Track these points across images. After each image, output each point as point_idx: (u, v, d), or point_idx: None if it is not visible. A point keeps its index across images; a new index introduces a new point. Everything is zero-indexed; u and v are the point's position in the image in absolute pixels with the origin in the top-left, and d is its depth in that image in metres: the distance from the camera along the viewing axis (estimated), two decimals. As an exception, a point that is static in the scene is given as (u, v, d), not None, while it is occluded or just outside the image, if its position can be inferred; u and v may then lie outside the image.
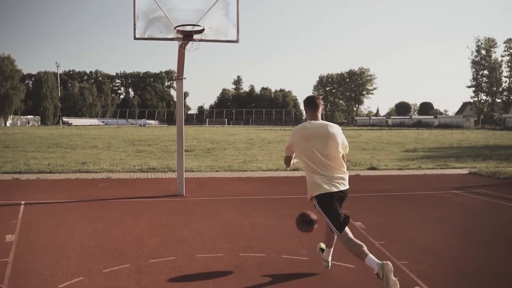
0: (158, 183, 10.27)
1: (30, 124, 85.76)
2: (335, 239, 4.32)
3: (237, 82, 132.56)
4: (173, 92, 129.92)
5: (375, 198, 8.66)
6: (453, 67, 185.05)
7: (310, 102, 4.22)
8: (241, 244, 5.24)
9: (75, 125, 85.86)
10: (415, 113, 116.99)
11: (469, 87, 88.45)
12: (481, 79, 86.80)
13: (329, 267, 4.44)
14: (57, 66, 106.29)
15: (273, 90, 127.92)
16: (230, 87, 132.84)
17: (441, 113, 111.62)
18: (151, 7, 7.21)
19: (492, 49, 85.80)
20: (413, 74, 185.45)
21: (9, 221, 6.17)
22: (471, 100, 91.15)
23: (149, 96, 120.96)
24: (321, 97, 4.42)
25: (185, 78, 8.36)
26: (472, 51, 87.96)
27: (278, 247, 5.12)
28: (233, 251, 4.95)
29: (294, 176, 11.73)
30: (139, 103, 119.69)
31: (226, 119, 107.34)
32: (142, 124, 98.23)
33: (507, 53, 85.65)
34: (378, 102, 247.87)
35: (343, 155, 4.15)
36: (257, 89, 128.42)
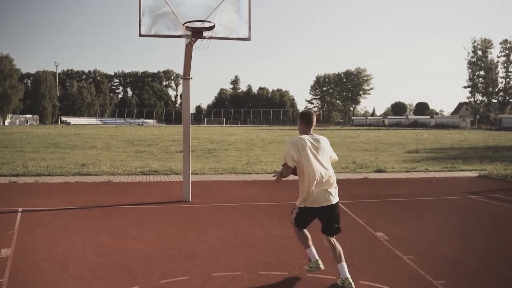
0: (161, 187, 9.82)
1: (28, 123, 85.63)
2: (310, 238, 4.34)
3: (235, 81, 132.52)
4: (171, 92, 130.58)
5: (391, 204, 8.25)
6: (448, 67, 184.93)
7: (307, 119, 4.34)
8: (259, 260, 4.80)
9: (73, 124, 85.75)
10: (411, 113, 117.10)
11: (465, 87, 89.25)
12: (477, 80, 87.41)
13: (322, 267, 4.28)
14: (56, 66, 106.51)
15: (270, 90, 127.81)
16: (228, 86, 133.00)
17: (436, 113, 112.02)
18: (158, 2, 6.72)
19: (488, 50, 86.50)
20: (408, 74, 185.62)
21: (5, 232, 5.72)
22: (467, 100, 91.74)
23: (147, 96, 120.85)
24: (316, 113, 4.45)
25: (191, 78, 7.92)
26: (468, 52, 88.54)
27: (299, 263, 4.67)
28: (252, 269, 4.51)
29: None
30: (137, 103, 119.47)
31: (224, 119, 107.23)
32: (140, 123, 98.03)
33: (503, 54, 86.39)
34: (374, 102, 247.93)
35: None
36: (255, 89, 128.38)
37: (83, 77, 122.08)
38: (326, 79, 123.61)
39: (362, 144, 26.92)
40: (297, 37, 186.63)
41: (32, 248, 5.12)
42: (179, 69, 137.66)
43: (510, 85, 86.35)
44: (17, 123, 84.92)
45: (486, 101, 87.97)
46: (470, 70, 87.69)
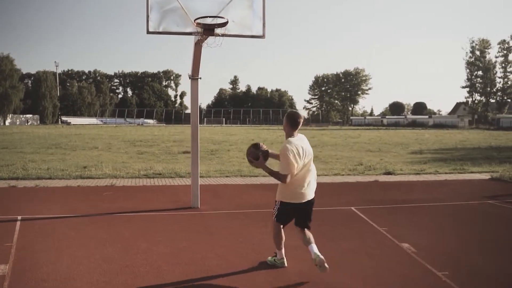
0: (167, 192, 9.39)
1: (29, 123, 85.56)
2: (283, 240, 4.69)
3: (234, 81, 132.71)
4: (170, 92, 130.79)
5: (409, 211, 7.84)
6: (445, 67, 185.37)
7: (294, 122, 4.44)
8: (282, 279, 4.38)
9: (74, 124, 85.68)
10: (409, 112, 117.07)
11: (463, 87, 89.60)
12: (475, 80, 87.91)
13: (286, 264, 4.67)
14: (56, 66, 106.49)
15: (269, 90, 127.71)
16: (227, 86, 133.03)
17: (434, 113, 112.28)
18: (167, -3, 6.28)
19: (486, 50, 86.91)
20: (405, 73, 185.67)
21: (3, 244, 5.28)
22: (465, 100, 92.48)
23: (147, 96, 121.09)
24: (302, 116, 4.57)
25: (200, 78, 7.49)
26: (466, 52, 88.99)
27: (326, 282, 4.26)
28: (276, 289, 4.10)
29: (319, 182, 10.89)
30: (137, 103, 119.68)
31: (223, 119, 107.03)
32: (140, 123, 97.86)
33: (501, 54, 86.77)
34: (371, 102, 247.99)
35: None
36: (254, 89, 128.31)
37: (83, 77, 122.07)
38: (325, 79, 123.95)
39: (365, 144, 26.57)
40: (295, 37, 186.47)
41: (32, 264, 4.69)
42: (178, 69, 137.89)
43: (508, 85, 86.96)
44: (17, 123, 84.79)
45: (484, 101, 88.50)
46: (468, 70, 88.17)
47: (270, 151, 4.55)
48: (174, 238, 5.79)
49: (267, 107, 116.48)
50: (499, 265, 4.92)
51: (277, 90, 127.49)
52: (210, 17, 6.06)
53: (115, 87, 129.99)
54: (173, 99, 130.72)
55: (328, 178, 11.90)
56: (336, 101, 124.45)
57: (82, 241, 5.53)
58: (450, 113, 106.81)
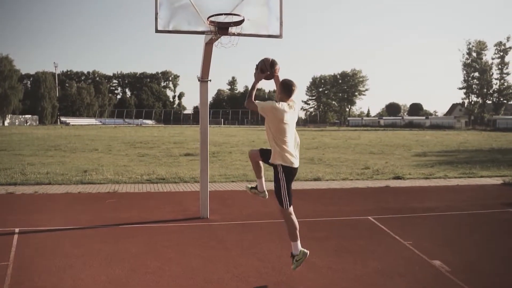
0: (172, 199, 8.91)
1: (28, 124, 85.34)
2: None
3: (232, 82, 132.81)
4: (169, 92, 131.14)
5: (429, 221, 7.40)
6: (442, 68, 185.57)
7: (289, 90, 4.54)
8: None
9: (72, 124, 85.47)
10: (405, 113, 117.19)
11: (460, 88, 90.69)
12: (472, 81, 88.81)
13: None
14: (55, 67, 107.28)
15: (267, 91, 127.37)
16: (225, 87, 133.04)
17: (430, 114, 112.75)
18: (177, -7, 5.81)
19: (482, 51, 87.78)
20: (401, 75, 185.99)
21: (-1, 263, 4.82)
22: (461, 101, 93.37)
23: (145, 96, 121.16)
24: (296, 86, 4.61)
25: (210, 80, 7.04)
26: (463, 54, 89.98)
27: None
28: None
29: (329, 188, 10.52)
30: (135, 103, 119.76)
31: (222, 119, 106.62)
32: (139, 124, 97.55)
33: (497, 55, 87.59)
34: (368, 103, 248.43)
35: None
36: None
37: (82, 78, 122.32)
38: (322, 80, 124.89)
39: (366, 146, 26.18)
40: (293, 38, 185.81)
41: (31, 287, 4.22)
42: (177, 70, 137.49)
43: (504, 86, 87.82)
44: (16, 123, 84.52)
45: (480, 102, 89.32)
46: (465, 72, 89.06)
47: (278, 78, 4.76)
48: (186, 254, 5.33)
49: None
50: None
51: (274, 91, 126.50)
52: (223, 14, 5.60)
53: (113, 88, 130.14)
54: (171, 99, 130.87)
55: (337, 183, 11.47)
56: (334, 102, 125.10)
57: (85, 259, 5.06)
58: (446, 114, 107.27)
